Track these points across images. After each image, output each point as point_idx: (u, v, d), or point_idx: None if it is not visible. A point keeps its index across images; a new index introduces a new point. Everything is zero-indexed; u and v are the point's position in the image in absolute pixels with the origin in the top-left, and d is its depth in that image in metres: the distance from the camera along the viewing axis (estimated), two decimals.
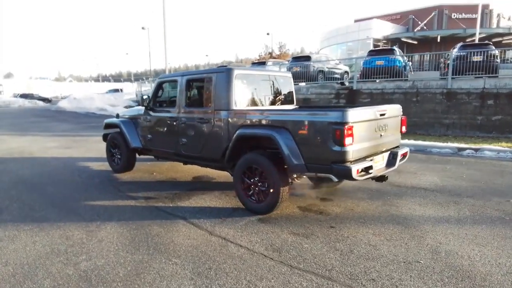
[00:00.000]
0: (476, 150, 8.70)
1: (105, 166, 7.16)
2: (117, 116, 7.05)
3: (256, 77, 5.34)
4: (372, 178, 4.56)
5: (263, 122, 4.48)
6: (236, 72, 4.91)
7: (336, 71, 18.61)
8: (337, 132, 3.74)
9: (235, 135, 4.64)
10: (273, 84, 5.58)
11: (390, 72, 14.82)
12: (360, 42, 35.25)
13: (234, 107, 4.83)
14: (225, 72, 4.91)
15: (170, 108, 5.74)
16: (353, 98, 15.37)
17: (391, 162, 4.61)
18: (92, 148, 9.59)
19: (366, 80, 15.28)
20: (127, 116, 6.76)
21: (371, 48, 28.03)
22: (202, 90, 5.35)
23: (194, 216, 4.52)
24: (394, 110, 4.75)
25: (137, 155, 6.74)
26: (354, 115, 3.83)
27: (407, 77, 15.64)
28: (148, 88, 29.91)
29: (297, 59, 18.57)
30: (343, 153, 3.80)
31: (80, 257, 3.46)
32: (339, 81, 17.67)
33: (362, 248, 3.57)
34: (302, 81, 17.19)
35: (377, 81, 14.80)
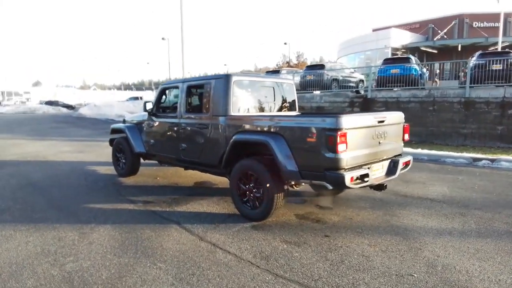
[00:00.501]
0: (493, 160, 8.34)
1: (112, 170, 7.23)
2: (124, 121, 7.15)
3: (256, 83, 5.30)
4: (370, 186, 4.42)
5: (259, 128, 4.42)
6: (234, 78, 4.88)
7: (351, 79, 18.42)
8: (330, 139, 3.64)
9: (231, 141, 4.60)
10: (274, 91, 5.52)
11: (405, 81, 14.53)
12: (378, 51, 34.81)
13: (231, 113, 4.80)
14: (223, 78, 4.90)
15: (172, 114, 5.77)
16: (367, 107, 15.11)
17: (391, 170, 4.45)
18: (103, 153, 9.75)
19: (381, 88, 15.04)
20: (133, 122, 6.84)
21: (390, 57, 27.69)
22: (201, 96, 5.36)
23: (188, 221, 4.48)
24: (395, 117, 4.60)
25: (142, 160, 6.78)
26: (349, 121, 3.72)
27: (424, 85, 15.31)
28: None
29: (311, 67, 18.51)
30: (336, 160, 3.69)
31: (67, 259, 3.47)
32: (354, 90, 17.45)
33: (354, 258, 3.43)
34: (316, 90, 17.09)
35: (394, 89, 14.51)
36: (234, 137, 4.57)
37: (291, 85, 5.90)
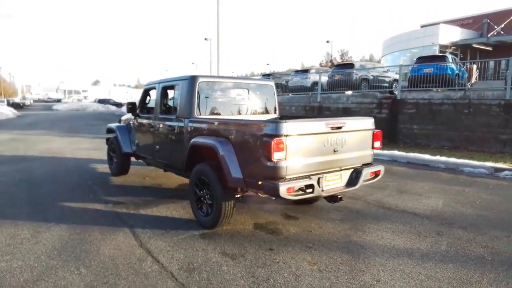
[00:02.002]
0: None
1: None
2: (119, 121, 7.30)
3: (226, 85, 5.12)
4: (324, 197, 4.08)
5: (213, 131, 4.25)
6: (199, 79, 4.75)
7: (384, 79, 17.45)
8: (266, 146, 3.38)
9: (189, 144, 4.48)
10: (248, 93, 5.31)
11: (440, 81, 13.47)
12: (424, 48, 32.73)
13: (195, 116, 4.68)
14: (188, 79, 4.79)
15: (150, 115, 5.78)
16: (397, 109, 14.26)
17: (352, 181, 4.07)
18: None
19: (412, 89, 14.08)
20: (125, 122, 6.95)
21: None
22: (172, 98, 5.29)
23: (143, 225, 4.43)
24: (359, 123, 4.20)
25: (136, 160, 6.85)
26: (290, 127, 3.44)
27: (464, 86, 14.11)
28: None
29: (340, 66, 17.83)
30: (274, 169, 3.43)
31: (5, 257, 3.55)
32: (388, 90, 16.52)
33: (282, 277, 3.16)
34: (345, 90, 16.43)
35: (426, 90, 13.49)
36: (191, 141, 4.44)
37: (271, 87, 5.65)
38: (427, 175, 7.56)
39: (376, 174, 4.34)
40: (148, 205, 5.22)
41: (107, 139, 7.43)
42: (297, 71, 20.85)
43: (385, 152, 10.03)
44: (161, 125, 5.36)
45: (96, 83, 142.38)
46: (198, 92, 4.71)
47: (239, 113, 5.18)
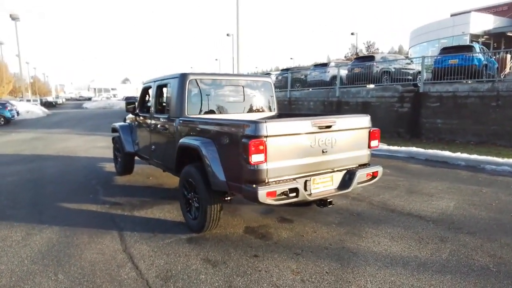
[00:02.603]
0: None
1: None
2: (124, 120, 7.29)
3: (218, 83, 4.94)
4: (313, 202, 3.84)
5: (199, 132, 4.09)
6: (190, 77, 4.60)
7: (408, 71, 16.69)
8: (244, 147, 3.18)
9: (178, 144, 4.35)
10: (244, 90, 5.11)
11: (466, 72, 12.70)
12: (454, 38, 31.17)
13: (186, 115, 4.54)
14: (178, 77, 4.65)
15: (147, 114, 5.70)
16: (419, 102, 13.62)
17: (345, 183, 3.80)
18: None
19: (435, 82, 13.37)
20: (129, 121, 6.93)
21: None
22: (165, 97, 5.18)
23: (133, 227, 4.35)
24: (352, 121, 3.91)
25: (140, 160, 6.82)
26: (270, 128, 3.22)
27: (493, 77, 13.26)
28: None
29: (359, 59, 17.21)
30: (253, 171, 3.23)
31: None
32: (411, 83, 15.80)
33: (261, 287, 2.97)
34: (365, 83, 15.86)
35: (463, 82, 12.71)
36: (179, 141, 4.31)
37: (268, 83, 5.41)
38: (444, 173, 7.10)
39: (373, 175, 4.05)
40: (144, 206, 5.15)
41: (113, 138, 7.45)
42: (316, 65, 20.36)
43: (402, 148, 9.56)
44: (156, 125, 5.27)
45: (125, 81, 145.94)
46: (188, 90, 4.56)
47: (234, 112, 4.99)
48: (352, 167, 3.92)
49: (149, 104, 5.88)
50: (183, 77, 4.58)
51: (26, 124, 21.91)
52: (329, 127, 3.60)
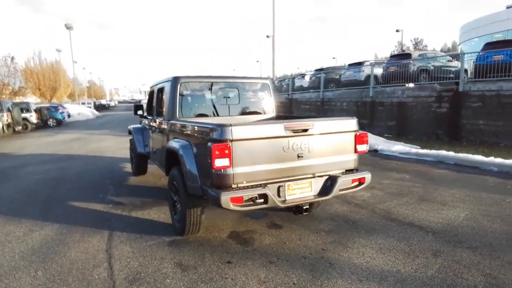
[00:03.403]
0: None
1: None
2: (140, 122, 7.53)
3: (211, 86, 4.91)
4: (289, 209, 3.67)
5: (184, 135, 4.09)
6: (181, 80, 4.63)
7: (449, 69, 15.62)
8: (208, 151, 3.12)
9: (165, 147, 4.39)
10: (239, 92, 5.04)
11: None
12: (509, 32, 28.69)
13: (177, 118, 4.57)
14: (171, 80, 4.69)
15: (150, 117, 5.83)
16: (459, 102, 12.70)
17: (326, 190, 3.60)
18: None
19: (476, 80, 12.38)
20: (142, 124, 7.15)
21: None
22: (162, 99, 5.25)
23: (125, 228, 4.46)
24: (334, 125, 3.68)
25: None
26: (236, 132, 3.13)
27: None
28: None
29: (395, 57, 16.39)
30: (218, 176, 3.17)
31: None
32: (454, 81, 14.77)
33: None
34: (401, 83, 15.08)
35: (494, 80, 11.73)
36: (167, 144, 4.35)
37: (266, 85, 5.29)
38: (469, 179, 6.53)
39: (360, 181, 3.80)
40: (144, 207, 5.26)
41: (130, 140, 7.72)
42: (350, 64, 19.69)
43: (432, 152, 8.95)
44: (155, 127, 5.37)
45: None
46: (180, 93, 4.59)
47: (228, 115, 4.95)
48: (336, 173, 3.71)
49: (151, 107, 6.04)
50: (175, 80, 4.62)
51: (74, 125, 23.48)
52: (305, 130, 3.43)
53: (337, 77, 19.83)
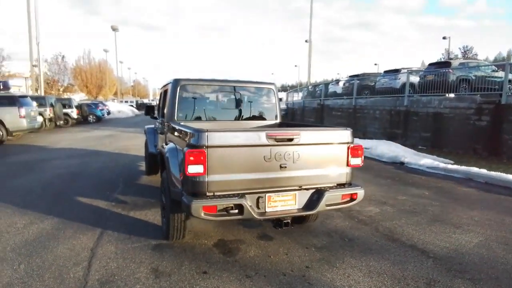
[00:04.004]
0: None
1: None
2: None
3: (213, 88, 4.83)
4: (271, 221, 3.48)
5: (171, 138, 4.04)
6: (182, 82, 4.60)
7: (494, 79, 14.52)
8: (183, 157, 3.03)
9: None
10: (241, 97, 4.92)
11: None
12: None
13: (175, 120, 4.54)
14: (171, 82, 4.67)
15: (158, 118, 5.86)
16: (500, 116, 11.77)
17: (312, 204, 3.37)
18: None
19: None
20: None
21: None
22: (165, 101, 5.25)
23: (118, 228, 4.47)
24: (323, 135, 3.46)
25: None
26: (212, 138, 3.01)
27: None
28: (296, 98, 30.79)
29: (434, 65, 15.50)
30: (192, 183, 3.07)
31: None
32: (496, 93, 13.72)
33: None
34: (438, 92, 14.24)
35: None
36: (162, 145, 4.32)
37: (270, 90, 5.12)
38: (496, 201, 5.95)
39: (352, 197, 3.53)
40: (144, 207, 5.28)
41: (145, 140, 7.84)
42: (386, 71, 18.93)
43: (462, 168, 8.30)
44: (160, 128, 5.39)
45: None
46: (179, 95, 4.56)
47: (228, 119, 4.84)
48: (324, 186, 3.47)
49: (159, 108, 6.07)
50: (175, 82, 4.60)
51: (112, 122, 24.51)
52: (290, 140, 3.24)
53: (372, 84, 19.16)
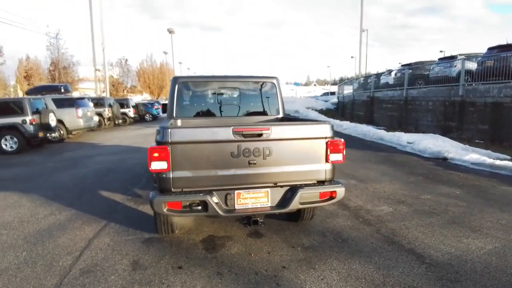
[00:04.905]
0: None
1: None
2: None
3: (211, 85, 4.83)
4: (241, 218, 3.38)
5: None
6: (180, 80, 4.68)
7: None
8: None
9: None
10: (240, 93, 4.86)
11: None
12: None
13: (174, 117, 4.64)
14: (172, 80, 4.77)
15: None
16: None
17: (285, 201, 3.23)
18: None
19: None
20: None
21: None
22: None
23: (122, 221, 4.70)
24: (297, 130, 3.27)
25: None
26: (175, 134, 3.02)
27: None
28: (348, 91, 29.73)
29: (494, 49, 13.88)
30: (159, 179, 3.11)
31: (3, 231, 4.43)
32: None
33: None
34: (498, 79, 12.80)
35: None
36: None
37: (271, 84, 4.98)
38: None
39: (331, 196, 3.31)
40: None
41: None
42: (441, 59, 17.42)
43: (511, 164, 7.39)
44: None
45: None
46: (178, 93, 4.64)
47: (228, 115, 4.82)
48: (301, 184, 3.31)
49: None
50: (174, 80, 4.69)
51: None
52: (260, 135, 3.13)
53: (427, 73, 17.77)
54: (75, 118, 14.46)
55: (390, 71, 22.46)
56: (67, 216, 4.93)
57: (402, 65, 21.07)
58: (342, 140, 3.37)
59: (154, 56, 69.34)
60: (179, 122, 4.56)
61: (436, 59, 19.06)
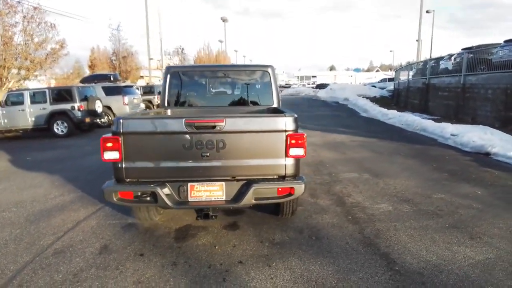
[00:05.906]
0: None
1: None
2: None
3: (203, 74, 4.77)
4: (197, 212, 3.32)
5: None
6: (171, 69, 4.70)
7: None
8: None
9: None
10: (233, 81, 4.75)
11: None
12: None
13: (166, 106, 4.70)
14: (164, 69, 4.81)
15: None
16: None
17: (239, 196, 3.11)
18: None
19: None
20: None
21: None
22: None
23: (115, 206, 4.78)
24: (253, 123, 3.09)
25: None
26: (126, 125, 3.04)
27: None
28: (405, 78, 27.83)
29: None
30: (115, 169, 3.17)
31: (12, 209, 4.88)
32: None
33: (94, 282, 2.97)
34: None
35: None
36: None
37: (265, 73, 4.77)
38: None
39: (290, 192, 3.11)
40: None
41: None
42: (506, 41, 15.38)
43: None
44: None
45: (332, 68, 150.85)
46: (169, 83, 4.67)
47: (219, 104, 4.75)
48: (259, 178, 3.15)
49: None
50: (166, 70, 4.72)
51: None
52: (213, 127, 3.03)
53: (490, 57, 15.92)
54: (122, 105, 15.35)
55: (450, 56, 20.50)
56: (73, 197, 5.28)
57: (462, 49, 19.08)
58: (304, 134, 3.14)
59: (211, 45, 70.72)
60: (168, 112, 4.60)
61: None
